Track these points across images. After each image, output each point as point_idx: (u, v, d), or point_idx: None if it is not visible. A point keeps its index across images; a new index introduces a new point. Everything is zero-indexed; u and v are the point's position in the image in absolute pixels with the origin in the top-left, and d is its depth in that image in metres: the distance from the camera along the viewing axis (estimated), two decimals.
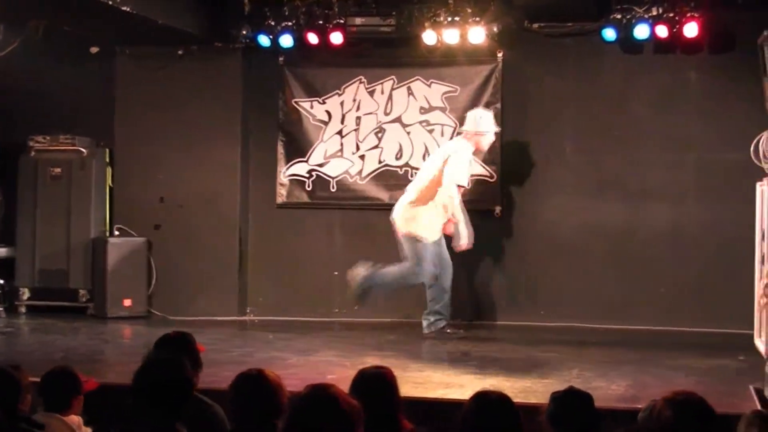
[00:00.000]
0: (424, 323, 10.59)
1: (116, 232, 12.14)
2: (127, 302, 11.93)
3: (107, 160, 12.41)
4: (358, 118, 12.05)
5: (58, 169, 12.16)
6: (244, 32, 11.85)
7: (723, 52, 11.12)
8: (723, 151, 11.04)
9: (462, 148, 10.68)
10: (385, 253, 11.83)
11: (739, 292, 9.99)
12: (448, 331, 10.58)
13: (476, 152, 10.87)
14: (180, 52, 12.18)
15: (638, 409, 4.88)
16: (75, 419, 5.48)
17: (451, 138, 11.51)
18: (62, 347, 9.87)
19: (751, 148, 9.01)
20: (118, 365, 8.74)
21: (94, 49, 12.50)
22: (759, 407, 6.87)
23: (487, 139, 10.74)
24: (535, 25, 11.53)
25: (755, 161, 8.97)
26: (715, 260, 11.17)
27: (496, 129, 10.80)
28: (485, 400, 4.36)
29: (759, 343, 8.55)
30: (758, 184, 8.83)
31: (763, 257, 8.32)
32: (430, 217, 10.51)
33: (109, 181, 12.42)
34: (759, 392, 7.51)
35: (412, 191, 10.67)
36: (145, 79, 12.30)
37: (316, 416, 3.85)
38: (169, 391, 4.50)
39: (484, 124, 10.68)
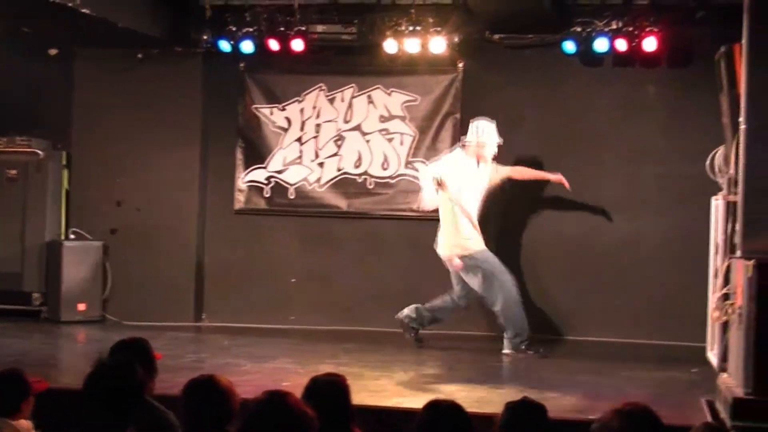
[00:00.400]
0: (407, 311, 10.56)
1: (72, 236, 12.06)
2: (82, 306, 11.84)
3: (64, 162, 12.33)
4: (318, 125, 12.05)
5: (14, 171, 12.06)
6: (205, 37, 11.83)
7: (681, 66, 11.20)
8: (680, 165, 11.10)
9: (450, 156, 10.72)
10: (341, 261, 11.87)
11: (694, 305, 10.06)
12: (413, 335, 10.55)
13: (481, 163, 10.63)
14: (140, 56, 12.13)
15: (591, 420, 4.90)
16: (24, 424, 5.44)
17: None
18: (14, 351, 9.76)
19: (707, 163, 9.08)
20: (71, 369, 8.69)
21: (53, 51, 12.43)
22: (710, 419, 6.92)
23: (489, 150, 10.56)
24: (496, 36, 11.56)
25: (710, 175, 9.04)
26: (671, 273, 11.23)
27: (499, 140, 10.58)
28: (437, 409, 4.36)
29: (711, 356, 8.61)
30: (713, 198, 8.89)
31: (716, 271, 8.38)
32: (466, 228, 10.45)
33: (65, 184, 12.35)
34: (710, 404, 7.57)
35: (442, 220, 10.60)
36: (104, 81, 12.23)
37: (269, 423, 3.85)
38: (120, 396, 4.49)
39: (484, 134, 10.53)
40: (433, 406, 4.39)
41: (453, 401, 4.42)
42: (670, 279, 11.23)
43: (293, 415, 3.85)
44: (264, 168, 12.14)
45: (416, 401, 7.29)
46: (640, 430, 4.24)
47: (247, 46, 11.67)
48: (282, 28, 11.52)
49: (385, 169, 11.87)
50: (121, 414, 4.49)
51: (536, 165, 11.46)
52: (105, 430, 4.40)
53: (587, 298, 11.48)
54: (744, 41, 6.80)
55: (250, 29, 11.60)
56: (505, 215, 11.65)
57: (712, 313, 8.13)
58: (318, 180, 12.04)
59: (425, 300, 10.84)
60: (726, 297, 7.73)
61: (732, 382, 7.26)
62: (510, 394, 7.41)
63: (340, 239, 12.05)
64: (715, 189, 9.00)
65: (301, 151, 12.08)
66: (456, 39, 11.35)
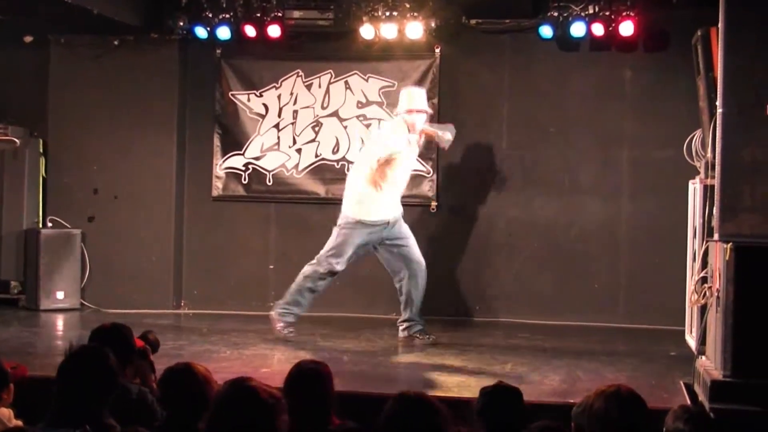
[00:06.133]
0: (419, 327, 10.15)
1: (49, 224, 12.02)
2: (60, 294, 11.79)
3: (41, 150, 12.26)
4: (295, 111, 12.02)
5: None
6: (181, 23, 11.76)
7: (658, 50, 11.24)
8: (656, 149, 11.17)
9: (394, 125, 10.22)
10: (319, 247, 11.84)
11: (671, 288, 10.11)
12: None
13: (411, 131, 10.03)
14: (116, 42, 12.07)
15: (570, 404, 4.92)
16: (5, 412, 5.43)
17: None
18: None
19: (684, 146, 9.12)
20: (50, 357, 8.64)
21: (28, 39, 12.36)
22: (688, 402, 6.96)
23: (418, 118, 9.94)
24: (473, 21, 11.58)
25: (688, 159, 9.08)
26: (648, 257, 11.29)
27: (428, 110, 10.11)
28: (405, 401, 4.33)
29: (690, 340, 8.67)
30: (691, 182, 8.93)
31: (695, 254, 8.42)
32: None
33: (42, 172, 12.29)
34: (689, 387, 7.62)
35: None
36: (79, 68, 12.18)
37: (236, 410, 3.86)
38: (93, 382, 4.48)
39: (415, 101, 10.00)
40: (401, 398, 4.37)
41: (422, 393, 4.37)
42: (647, 263, 11.29)
43: (259, 399, 3.86)
44: (241, 155, 12.11)
45: (396, 387, 7.31)
46: (624, 411, 4.26)
47: (224, 33, 11.65)
48: (258, 14, 11.51)
49: None
50: (96, 400, 4.48)
51: (513, 148, 11.54)
52: (80, 416, 4.39)
53: (564, 283, 11.52)
54: (720, 25, 6.82)
55: (227, 15, 11.58)
56: (479, 200, 11.69)
57: (690, 296, 8.18)
58: (296, 166, 12.03)
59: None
60: (704, 280, 7.77)
61: (710, 365, 7.30)
62: (489, 378, 7.44)
63: (318, 225, 12.01)
64: (692, 173, 9.04)
65: (278, 138, 12.06)
66: (433, 24, 11.34)
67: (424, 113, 10.00)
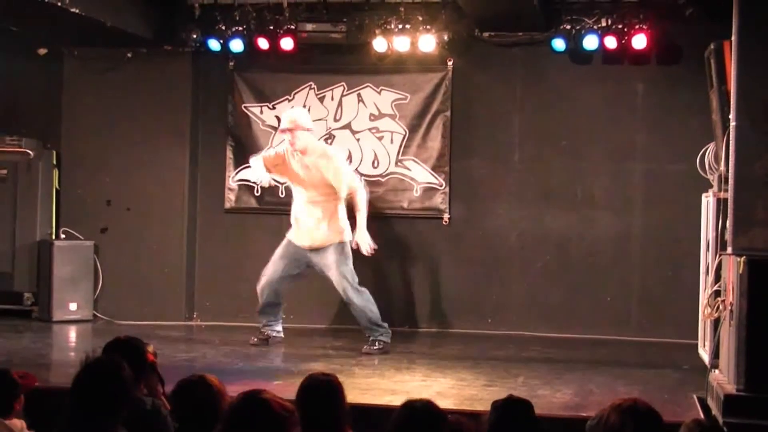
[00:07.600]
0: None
1: (62, 235, 12.05)
2: (73, 306, 11.81)
3: (54, 162, 12.30)
4: None
5: (4, 171, 12.01)
6: (194, 36, 11.78)
7: (670, 64, 11.23)
8: (669, 162, 11.16)
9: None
10: None
11: (684, 302, 10.10)
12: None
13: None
14: (129, 55, 12.11)
15: (583, 417, 4.91)
16: (17, 423, 5.44)
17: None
18: (5, 350, 9.74)
19: (698, 160, 9.11)
20: (62, 369, 8.67)
21: (42, 51, 12.41)
22: (702, 416, 6.94)
23: (283, 137, 10.47)
24: (486, 34, 11.58)
25: (701, 172, 9.06)
26: (661, 270, 11.27)
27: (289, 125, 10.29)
28: (412, 408, 4.31)
29: (703, 353, 8.64)
30: (703, 196, 8.92)
31: (707, 268, 8.40)
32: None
33: (55, 184, 12.32)
34: (702, 401, 7.59)
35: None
36: (93, 81, 12.21)
37: (249, 422, 3.86)
38: (107, 393, 4.48)
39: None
40: (409, 405, 4.36)
41: (429, 401, 4.37)
42: (660, 276, 11.27)
43: (272, 411, 3.86)
44: None
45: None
46: (640, 426, 4.23)
47: (237, 45, 11.67)
48: (271, 27, 11.53)
49: (375, 167, 11.87)
50: (110, 413, 4.48)
51: (525, 160, 11.54)
52: (94, 429, 4.39)
53: (576, 296, 11.50)
54: (733, 38, 6.82)
55: (240, 28, 11.60)
56: (491, 213, 11.69)
57: (704, 309, 8.16)
58: None
59: (414, 296, 10.91)
60: (717, 294, 7.75)
61: (723, 379, 7.28)
62: (501, 391, 7.43)
63: None
64: (704, 186, 9.03)
65: None
66: (445, 37, 11.34)
67: (282, 132, 10.37)
